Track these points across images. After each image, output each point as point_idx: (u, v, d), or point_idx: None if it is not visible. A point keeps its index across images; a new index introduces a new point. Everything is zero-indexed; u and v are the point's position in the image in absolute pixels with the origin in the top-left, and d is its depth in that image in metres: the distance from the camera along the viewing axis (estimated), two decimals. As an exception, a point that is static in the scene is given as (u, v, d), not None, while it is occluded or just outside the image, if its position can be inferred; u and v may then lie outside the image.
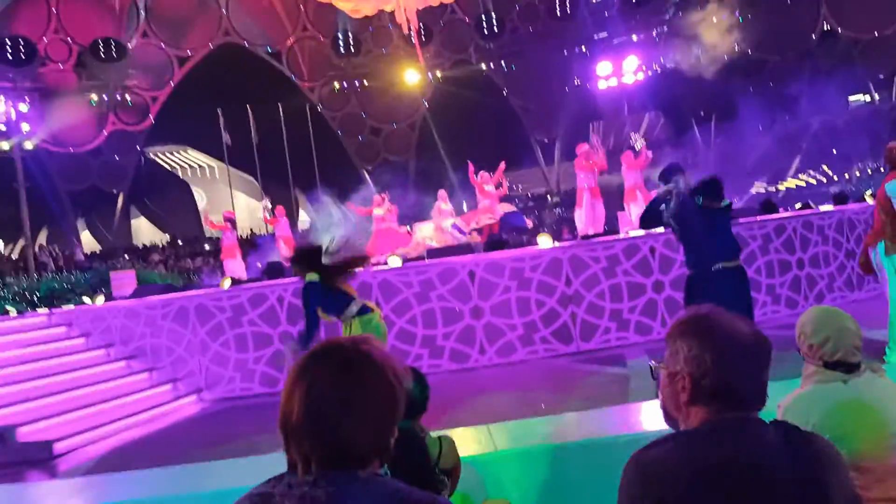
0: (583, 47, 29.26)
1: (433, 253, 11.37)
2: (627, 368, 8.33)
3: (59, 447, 7.27)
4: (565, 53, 29.70)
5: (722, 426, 1.56)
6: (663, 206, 5.91)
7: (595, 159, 13.64)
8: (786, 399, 2.48)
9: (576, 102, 29.46)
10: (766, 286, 10.04)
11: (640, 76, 26.00)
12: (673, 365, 1.67)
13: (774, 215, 10.77)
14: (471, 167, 15.10)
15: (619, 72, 26.02)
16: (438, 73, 30.19)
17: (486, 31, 29.38)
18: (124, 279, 12.74)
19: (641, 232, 9.66)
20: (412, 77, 29.47)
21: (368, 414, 1.30)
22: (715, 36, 25.77)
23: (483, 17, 29.14)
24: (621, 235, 10.50)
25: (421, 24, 23.19)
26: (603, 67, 26.25)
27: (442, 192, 14.73)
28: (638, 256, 9.69)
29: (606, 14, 28.17)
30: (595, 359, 9.11)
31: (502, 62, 30.07)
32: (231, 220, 15.69)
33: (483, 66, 30.27)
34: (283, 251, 15.34)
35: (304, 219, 30.37)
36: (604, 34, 28.43)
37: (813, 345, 2.53)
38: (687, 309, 1.77)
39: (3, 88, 24.45)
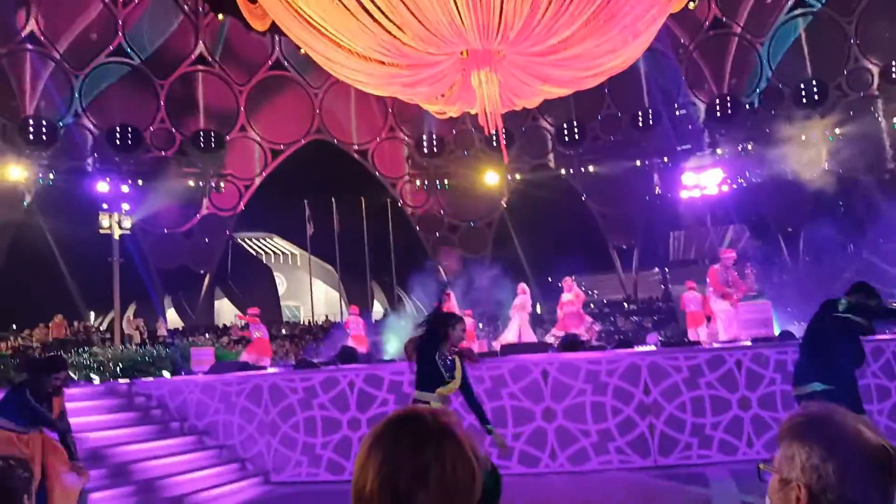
0: (665, 158, 29.39)
1: (506, 349, 11.25)
2: (709, 489, 7.85)
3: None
4: (646, 163, 29.86)
5: None
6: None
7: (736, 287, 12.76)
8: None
9: (656, 211, 29.33)
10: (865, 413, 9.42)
11: (725, 188, 25.75)
12: (787, 471, 1.44)
13: (871, 337, 10.22)
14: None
15: (702, 183, 25.89)
16: (518, 176, 30.74)
17: (566, 139, 29.96)
18: (203, 355, 13.04)
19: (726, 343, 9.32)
20: (492, 178, 30.12)
21: (445, 490, 1.21)
22: (804, 153, 25.47)
23: (565, 124, 29.80)
24: (704, 345, 10.15)
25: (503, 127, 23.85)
26: (687, 177, 26.17)
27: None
28: (723, 369, 9.30)
29: (690, 127, 28.36)
30: (674, 475, 8.64)
31: (581, 168, 30.43)
32: (257, 316, 16.08)
33: (562, 171, 30.70)
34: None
35: (378, 310, 30.69)
36: (687, 146, 28.53)
37: None
38: (802, 406, 1.54)
39: (108, 171, 26.17)
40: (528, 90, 17.06)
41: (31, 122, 26.38)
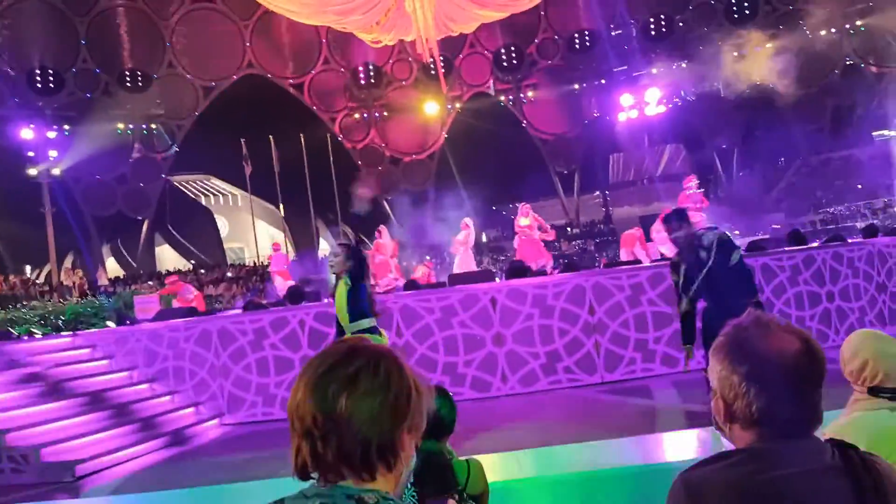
0: (602, 80, 29.47)
1: (454, 279, 11.38)
2: (654, 400, 8.22)
3: (82, 468, 7.26)
4: (584, 86, 29.92)
5: (767, 450, 1.44)
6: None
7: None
8: (828, 428, 2.31)
9: (595, 134, 29.57)
10: (796, 318, 9.91)
11: (662, 108, 26.05)
12: (713, 382, 1.55)
13: (803, 247, 10.67)
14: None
15: (640, 104, 26.13)
16: (457, 105, 30.47)
17: (504, 64, 29.70)
18: (148, 303, 12.83)
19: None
20: (431, 108, 29.77)
21: (377, 397, 1.20)
22: (737, 69, 25.86)
23: (502, 50, 29.49)
24: (646, 263, 10.45)
25: (440, 56, 23.46)
26: (625, 99, 26.36)
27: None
28: (664, 285, 9.62)
29: (626, 47, 28.39)
30: (620, 390, 9.01)
31: (520, 95, 30.31)
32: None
33: (502, 98, 30.54)
34: (277, 284, 15.66)
35: (323, 247, 30.50)
36: (624, 67, 28.62)
37: (853, 370, 2.43)
38: (734, 321, 1.58)
39: (31, 116, 24.94)
40: (463, 14, 16.81)
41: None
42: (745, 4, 26.51)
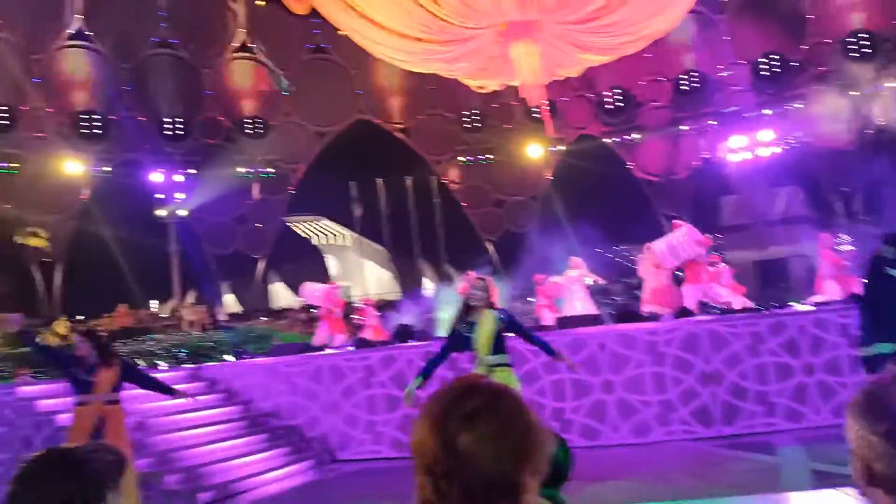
0: (712, 121, 28.77)
1: (562, 322, 11.26)
2: (777, 457, 7.77)
3: (202, 497, 7.57)
4: (692, 127, 29.28)
5: None
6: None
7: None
8: None
9: (704, 176, 28.77)
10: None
11: (777, 150, 25.06)
12: (851, 443, 1.44)
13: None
14: None
15: (752, 145, 25.25)
16: (562, 147, 30.46)
17: (610, 106, 29.53)
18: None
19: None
20: (535, 151, 29.90)
21: (497, 435, 1.18)
22: (856, 109, 24.68)
23: (606, 92, 29.37)
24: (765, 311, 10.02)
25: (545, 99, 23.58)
26: (736, 140, 25.56)
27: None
28: (785, 335, 9.18)
29: (737, 87, 27.65)
30: (740, 444, 8.58)
31: (626, 136, 30.00)
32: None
33: (607, 140, 30.30)
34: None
35: (428, 287, 30.91)
36: (734, 108, 27.85)
37: None
38: (871, 378, 1.50)
39: (161, 161, 26.81)
40: (569, 59, 16.83)
41: (83, 116, 27.09)
42: (864, 43, 25.32)
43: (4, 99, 25.91)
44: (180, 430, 9.12)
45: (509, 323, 6.64)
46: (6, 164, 25.74)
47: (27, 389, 9.55)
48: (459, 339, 6.65)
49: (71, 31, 27.24)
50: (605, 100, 29.43)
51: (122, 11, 27.91)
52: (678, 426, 9.22)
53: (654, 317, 12.64)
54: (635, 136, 29.91)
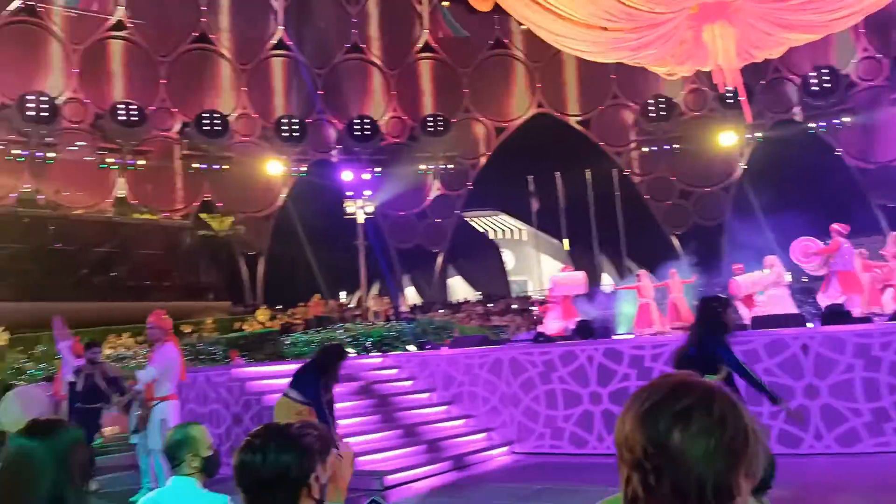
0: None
1: (758, 322, 10.50)
2: None
3: (389, 479, 7.87)
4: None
5: None
6: None
7: None
8: None
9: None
10: None
11: None
12: None
13: None
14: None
15: None
16: (758, 134, 28.42)
17: (815, 88, 27.12)
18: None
19: None
20: (728, 139, 28.16)
21: (712, 438, 1.12)
22: None
23: (812, 73, 26.98)
24: None
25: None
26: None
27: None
28: None
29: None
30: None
31: (834, 120, 27.37)
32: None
33: (811, 124, 27.84)
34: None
35: (606, 282, 30.19)
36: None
37: None
38: None
39: (350, 161, 28.38)
40: (769, 40, 15.64)
41: (283, 120, 29.35)
42: None
43: (216, 107, 28.69)
44: (370, 413, 9.57)
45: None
46: (218, 167, 28.53)
47: (239, 371, 10.46)
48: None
49: (273, 41, 29.60)
50: (811, 81, 27.05)
51: (319, 20, 29.96)
52: (893, 437, 8.26)
53: (866, 318, 11.44)
54: (845, 119, 27.21)
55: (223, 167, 28.68)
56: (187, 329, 19.51)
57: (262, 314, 21.33)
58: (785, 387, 8.85)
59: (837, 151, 27.72)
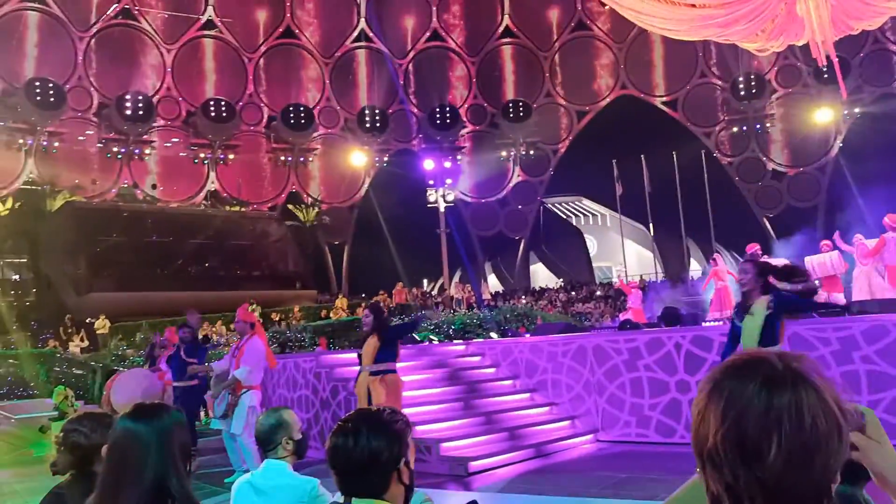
0: None
1: (855, 306, 10.00)
2: None
3: (473, 466, 7.95)
4: None
5: None
6: None
7: None
8: None
9: None
10: None
11: None
12: None
13: None
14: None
15: None
16: (856, 109, 26.94)
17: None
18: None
19: None
20: (824, 115, 26.84)
21: (802, 444, 1.04)
22: None
23: (917, 42, 25.38)
24: None
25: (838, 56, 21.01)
26: None
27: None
28: None
29: None
30: None
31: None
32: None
33: (916, 97, 26.22)
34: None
35: (694, 268, 29.38)
36: None
37: None
38: None
39: (432, 150, 28.59)
40: (868, 9, 14.80)
41: (366, 111, 29.83)
42: None
43: (302, 100, 29.44)
44: (455, 400, 9.70)
45: (779, 304, 5.93)
46: (303, 159, 29.32)
47: (327, 358, 10.78)
48: (735, 330, 6.16)
49: (355, 33, 30.08)
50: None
51: (400, 10, 30.26)
52: None
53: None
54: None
55: (309, 159, 29.45)
56: (276, 317, 20.19)
57: (341, 302, 21.83)
58: (887, 375, 8.44)
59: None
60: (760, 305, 5.88)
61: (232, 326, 16.54)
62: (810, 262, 13.42)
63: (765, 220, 28.83)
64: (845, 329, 8.85)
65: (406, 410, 8.32)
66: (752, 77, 28.13)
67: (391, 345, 7.62)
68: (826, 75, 23.43)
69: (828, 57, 14.87)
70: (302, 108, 29.13)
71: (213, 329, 18.09)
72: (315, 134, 29.52)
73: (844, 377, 8.70)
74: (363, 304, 23.07)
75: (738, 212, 28.89)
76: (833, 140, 27.83)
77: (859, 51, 25.82)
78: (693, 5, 14.43)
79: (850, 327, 8.85)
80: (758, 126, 28.77)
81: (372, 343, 7.62)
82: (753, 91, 28.19)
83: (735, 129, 29.21)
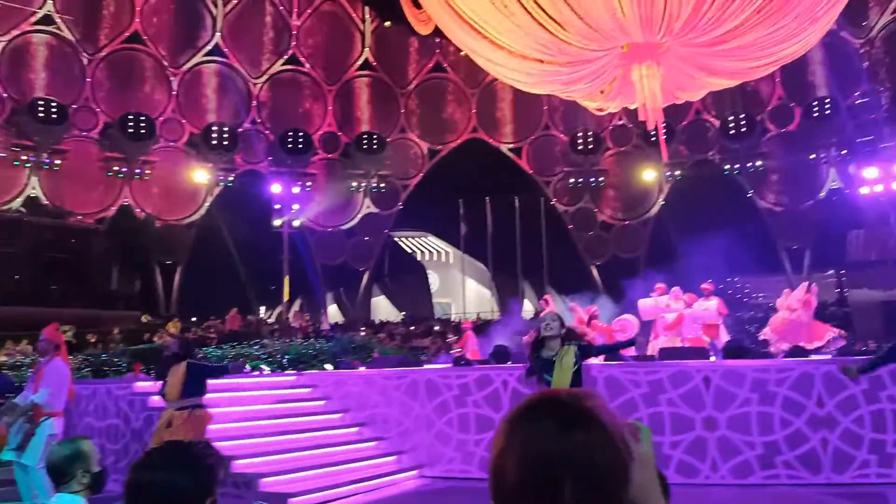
0: (843, 151, 27.13)
1: (664, 353, 10.87)
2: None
3: (293, 502, 7.75)
4: (821, 157, 27.72)
5: None
6: None
7: None
8: None
9: (832, 208, 27.12)
10: None
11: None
12: None
13: None
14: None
15: (888, 177, 23.59)
16: (678, 172, 29.58)
17: (732, 132, 28.41)
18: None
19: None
20: (649, 175, 29.26)
21: (594, 479, 1.10)
22: None
23: (730, 117, 28.27)
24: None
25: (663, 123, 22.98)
26: (869, 172, 23.97)
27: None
28: (909, 383, 8.48)
29: (872, 117, 25.93)
30: (849, 495, 7.98)
31: (748, 164, 28.74)
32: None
33: (727, 166, 29.15)
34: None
35: (528, 309, 30.67)
36: (869, 137, 26.12)
37: None
38: None
39: (281, 173, 28.04)
40: (692, 83, 16.33)
41: (213, 128, 28.74)
42: None
43: (143, 109, 27.88)
44: (279, 434, 9.43)
45: (585, 351, 6.35)
46: (140, 171, 27.67)
47: (141, 386, 10.13)
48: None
49: (209, 47, 29.06)
50: (728, 125, 28.33)
51: (257, 30, 29.64)
52: (782, 470, 8.67)
53: (766, 354, 12.00)
54: (758, 163, 28.62)
55: (146, 172, 27.87)
56: (92, 339, 18.75)
57: (174, 326, 20.73)
58: (686, 417, 9.20)
59: (749, 194, 29.09)
60: (568, 353, 6.19)
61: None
62: (642, 304, 14.53)
63: (593, 267, 30.73)
64: (655, 373, 9.58)
65: (225, 443, 8.02)
66: (590, 133, 30.13)
67: (199, 377, 7.25)
68: (653, 138, 25.53)
69: (657, 123, 16.24)
70: (143, 118, 27.58)
71: (18, 349, 16.50)
72: (155, 146, 28.02)
73: (651, 419, 9.39)
74: (193, 329, 22.04)
75: (569, 258, 30.60)
76: (656, 197, 30.30)
77: (682, 119, 28.43)
78: (541, 61, 15.24)
79: (659, 372, 9.60)
80: (592, 179, 30.77)
81: (178, 373, 7.22)
82: (590, 146, 30.18)
83: (572, 181, 31.05)
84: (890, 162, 24.02)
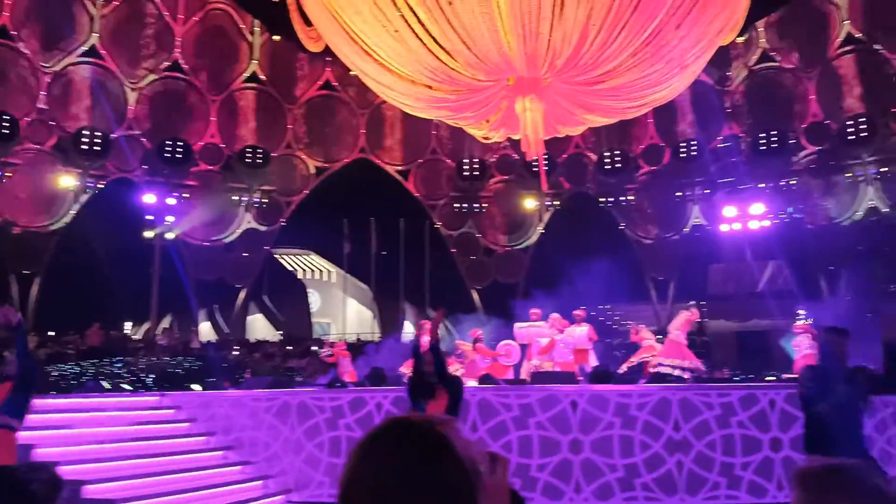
0: (706, 190, 29.11)
1: (536, 378, 11.17)
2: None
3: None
4: (687, 194, 29.60)
5: None
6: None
7: None
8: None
9: (695, 243, 28.98)
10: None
11: (766, 223, 25.38)
12: None
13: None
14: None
15: (744, 217, 25.60)
16: (556, 203, 30.71)
17: (607, 167, 29.82)
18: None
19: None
20: (530, 204, 30.20)
21: None
22: (850, 191, 25.13)
23: (606, 152, 29.70)
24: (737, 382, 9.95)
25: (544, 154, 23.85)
26: (728, 211, 25.91)
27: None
28: (755, 408, 9.11)
29: (734, 159, 27.99)
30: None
31: (621, 197, 30.27)
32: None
33: (602, 199, 30.57)
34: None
35: (408, 332, 30.75)
36: (730, 179, 28.15)
37: None
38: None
39: (156, 183, 26.81)
40: (571, 118, 17.06)
41: (84, 132, 27.15)
42: (863, 126, 25.72)
43: (9, 109, 26.00)
44: (138, 457, 8.93)
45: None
46: (0, 173, 25.74)
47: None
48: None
49: (84, 47, 27.52)
50: (604, 160, 29.72)
51: (137, 33, 28.34)
52: (640, 492, 9.08)
53: (631, 379, 12.56)
54: (630, 197, 30.17)
55: (6, 174, 25.93)
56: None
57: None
58: (553, 440, 9.48)
59: (621, 226, 30.60)
60: None
61: None
62: (518, 328, 14.94)
63: (474, 291, 31.22)
64: (525, 397, 9.81)
65: (75, 467, 7.51)
66: (476, 161, 30.76)
67: (25, 393, 5.63)
68: (535, 168, 26.40)
69: (538, 154, 16.83)
70: (7, 117, 25.68)
71: None
72: (18, 148, 26.13)
73: (520, 442, 9.61)
74: (49, 344, 20.59)
75: (452, 282, 30.97)
76: (535, 226, 31.28)
77: (563, 152, 29.58)
78: (430, 87, 15.48)
79: (529, 396, 9.84)
80: (475, 205, 31.38)
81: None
82: (476, 173, 30.79)
83: (456, 206, 31.53)
84: (747, 202, 26.00)
